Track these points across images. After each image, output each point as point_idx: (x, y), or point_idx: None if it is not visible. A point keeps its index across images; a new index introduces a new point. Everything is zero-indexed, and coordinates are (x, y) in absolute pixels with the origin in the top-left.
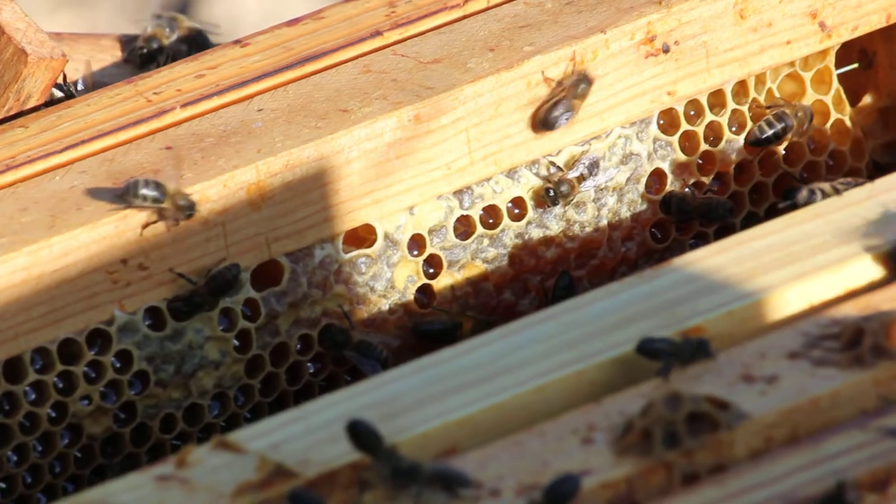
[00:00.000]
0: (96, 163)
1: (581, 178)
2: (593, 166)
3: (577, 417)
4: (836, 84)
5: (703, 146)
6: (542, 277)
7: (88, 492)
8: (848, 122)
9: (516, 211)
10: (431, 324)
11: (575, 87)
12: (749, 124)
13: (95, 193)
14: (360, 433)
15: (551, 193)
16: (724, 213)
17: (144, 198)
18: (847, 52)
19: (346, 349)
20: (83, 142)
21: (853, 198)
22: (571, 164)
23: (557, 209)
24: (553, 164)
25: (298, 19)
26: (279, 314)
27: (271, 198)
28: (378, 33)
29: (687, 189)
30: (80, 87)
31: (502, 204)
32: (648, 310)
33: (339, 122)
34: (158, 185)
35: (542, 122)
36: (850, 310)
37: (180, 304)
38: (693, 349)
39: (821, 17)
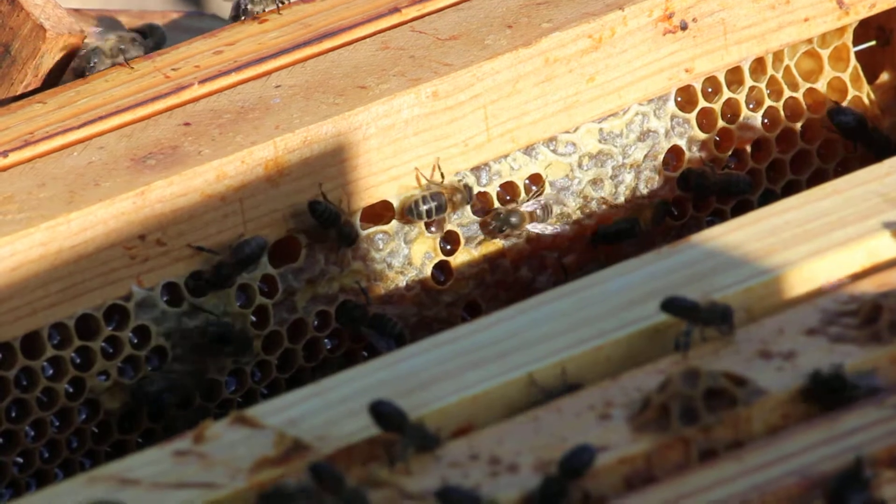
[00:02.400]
0: (114, 139)
1: (532, 216)
2: (546, 210)
3: (595, 393)
4: (853, 61)
5: (721, 123)
6: (559, 254)
7: (106, 466)
8: (865, 100)
9: (534, 188)
10: (610, 226)
11: (454, 194)
12: (767, 102)
13: (113, 169)
14: (383, 414)
15: (500, 218)
16: (743, 189)
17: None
18: (865, 29)
19: (363, 325)
20: (101, 118)
21: (871, 174)
22: (528, 192)
23: (574, 185)
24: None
25: None
26: (297, 290)
27: (289, 174)
28: (396, 9)
29: (705, 165)
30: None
31: (519, 181)
32: (666, 286)
33: (357, 99)
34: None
35: (408, 210)
36: (868, 286)
37: (207, 275)
38: (718, 314)
39: None
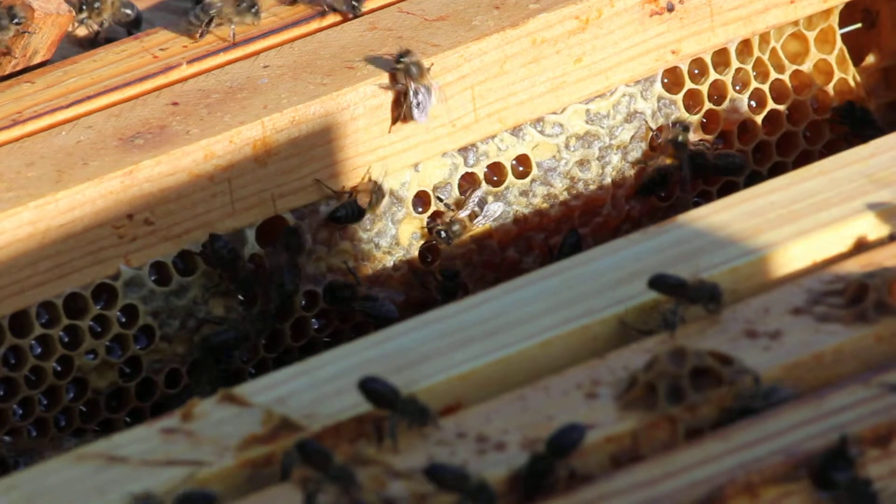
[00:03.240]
0: (102, 118)
1: (473, 216)
2: (482, 202)
3: (582, 372)
4: (839, 44)
5: (708, 105)
6: (546, 235)
7: (94, 444)
8: (851, 82)
9: (521, 168)
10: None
11: (370, 195)
12: (753, 83)
13: (102, 149)
14: (374, 390)
15: (443, 235)
16: (740, 167)
17: None
18: (851, 11)
19: (353, 303)
20: (89, 97)
21: (856, 156)
22: (462, 203)
23: (561, 166)
24: (443, 202)
25: None
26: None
27: (277, 154)
28: None
29: (702, 145)
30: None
31: (507, 161)
32: (653, 266)
33: (345, 79)
34: None
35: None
36: (854, 266)
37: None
38: (707, 293)
39: None
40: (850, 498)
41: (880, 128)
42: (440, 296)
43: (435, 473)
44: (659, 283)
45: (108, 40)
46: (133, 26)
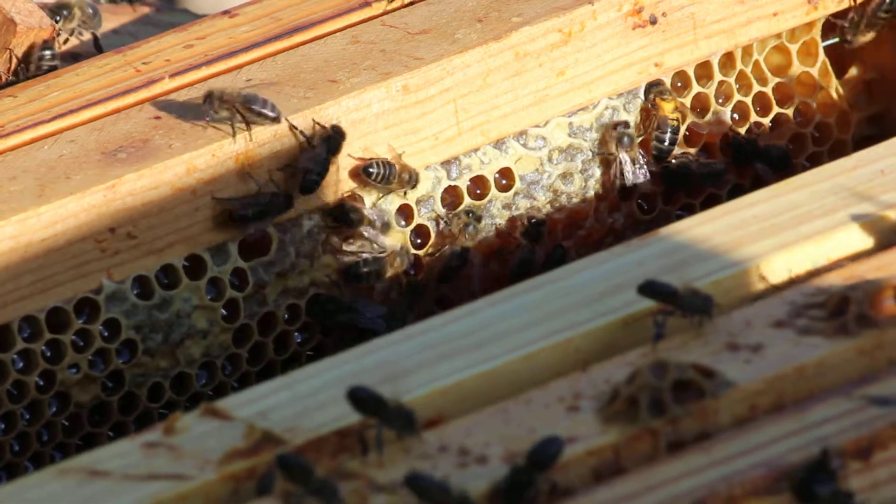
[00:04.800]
0: (85, 132)
1: (400, 256)
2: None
3: (564, 385)
4: (822, 56)
5: (691, 117)
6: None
7: (76, 458)
8: (834, 95)
9: (504, 181)
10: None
11: (402, 172)
12: (736, 96)
13: (84, 163)
14: (362, 399)
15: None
16: (722, 177)
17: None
18: (834, 24)
19: (339, 315)
20: (72, 111)
21: (838, 168)
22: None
23: (544, 180)
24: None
25: None
26: (267, 284)
27: (260, 167)
28: (366, 4)
29: (687, 157)
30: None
31: (490, 174)
32: (636, 278)
33: (328, 93)
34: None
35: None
36: (836, 279)
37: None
38: (699, 303)
39: None
40: None
41: (768, 159)
42: (524, 239)
43: (416, 484)
44: (649, 289)
45: (75, 55)
46: (96, 27)
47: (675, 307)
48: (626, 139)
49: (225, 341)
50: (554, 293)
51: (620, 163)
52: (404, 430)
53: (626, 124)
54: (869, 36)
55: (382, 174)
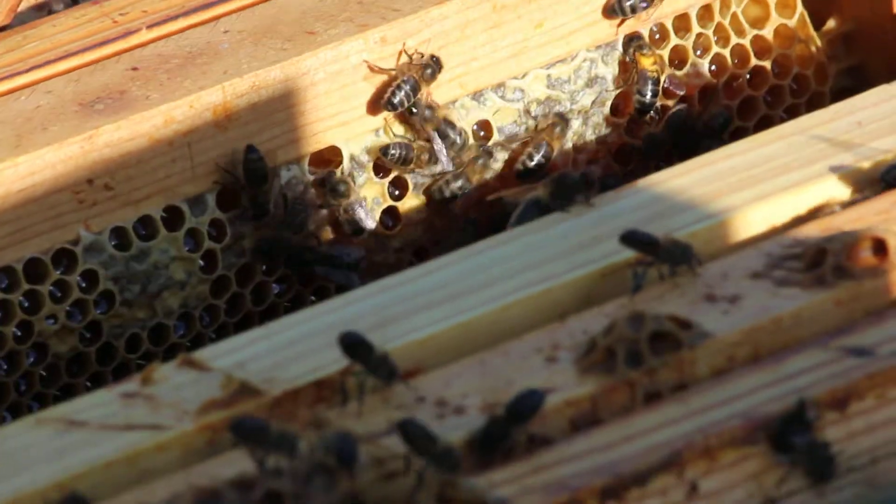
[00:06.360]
0: (62, 83)
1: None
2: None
3: (542, 337)
4: (800, 8)
5: (668, 70)
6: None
7: (54, 408)
8: (812, 47)
9: (482, 133)
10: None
11: (422, 72)
12: (714, 48)
13: (61, 114)
14: (351, 343)
15: (394, 156)
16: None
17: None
18: None
19: (316, 264)
20: (49, 62)
21: (815, 120)
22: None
23: (522, 132)
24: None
25: None
26: (245, 235)
27: (237, 119)
28: None
29: (685, 107)
30: None
31: (468, 126)
32: (613, 230)
33: (306, 44)
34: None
35: (387, 103)
36: (813, 231)
37: None
38: (679, 252)
39: None
40: (807, 461)
41: (709, 136)
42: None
43: (407, 430)
44: (632, 239)
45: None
46: None
47: (655, 257)
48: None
49: (202, 292)
50: (531, 245)
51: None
52: (389, 379)
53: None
54: None
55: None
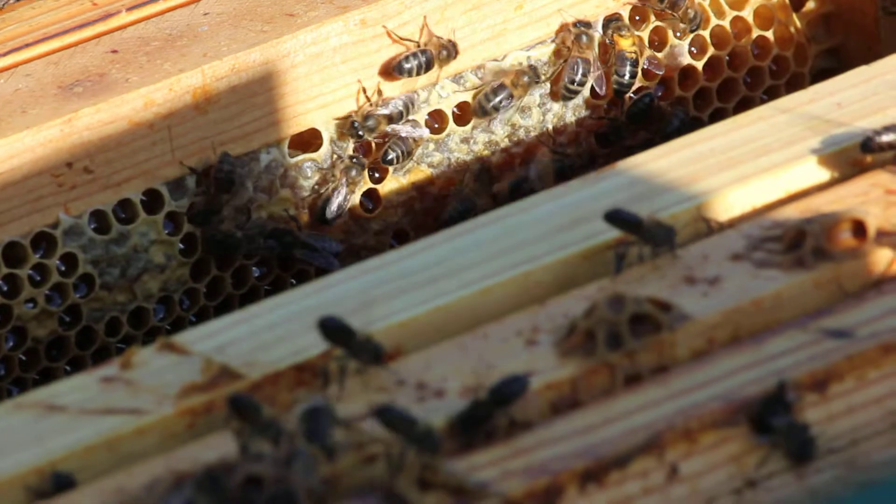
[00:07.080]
0: (41, 66)
1: (390, 119)
2: (409, 104)
3: (522, 319)
4: None
5: (648, 51)
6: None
7: (33, 393)
8: (791, 28)
9: (461, 115)
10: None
11: (439, 51)
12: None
13: (41, 97)
14: (331, 328)
15: (355, 125)
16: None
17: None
18: None
19: (295, 249)
20: (28, 45)
21: (795, 101)
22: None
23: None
24: (367, 98)
25: None
26: (225, 218)
27: (217, 102)
28: None
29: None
30: None
31: (448, 108)
32: (593, 212)
33: (285, 27)
34: None
35: (396, 68)
36: (792, 212)
37: None
38: (662, 234)
39: None
40: (787, 443)
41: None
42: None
43: (385, 415)
44: (616, 218)
45: None
46: None
47: (638, 237)
48: (584, 38)
49: (182, 276)
50: (511, 227)
51: (573, 63)
52: (372, 362)
53: (587, 24)
54: None
55: (420, 64)
